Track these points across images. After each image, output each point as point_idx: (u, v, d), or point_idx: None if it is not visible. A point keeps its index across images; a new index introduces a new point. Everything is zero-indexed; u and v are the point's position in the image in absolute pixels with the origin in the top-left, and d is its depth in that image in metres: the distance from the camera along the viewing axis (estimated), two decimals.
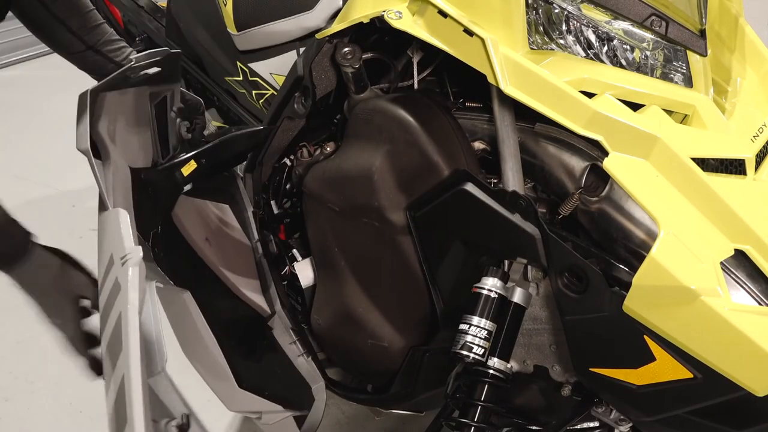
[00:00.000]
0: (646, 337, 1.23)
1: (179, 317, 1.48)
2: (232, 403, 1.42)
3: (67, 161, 2.89)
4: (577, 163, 1.33)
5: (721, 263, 1.21)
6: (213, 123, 2.32)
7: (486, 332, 1.32)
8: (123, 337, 1.07)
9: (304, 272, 1.75)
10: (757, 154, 1.32)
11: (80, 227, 2.77)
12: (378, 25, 1.39)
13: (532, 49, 1.35)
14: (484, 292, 1.34)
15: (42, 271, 1.28)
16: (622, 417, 1.43)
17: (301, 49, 1.98)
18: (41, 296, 1.29)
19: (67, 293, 1.34)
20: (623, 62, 1.38)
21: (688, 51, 1.37)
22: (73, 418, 2.11)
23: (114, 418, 1.05)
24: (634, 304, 1.21)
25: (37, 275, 1.24)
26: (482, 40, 1.28)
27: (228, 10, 1.99)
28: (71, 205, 2.85)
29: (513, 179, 1.34)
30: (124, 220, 1.21)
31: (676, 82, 1.38)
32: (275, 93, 2.05)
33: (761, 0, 3.01)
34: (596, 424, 1.50)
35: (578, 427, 1.51)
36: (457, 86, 1.63)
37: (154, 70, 1.47)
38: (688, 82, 1.38)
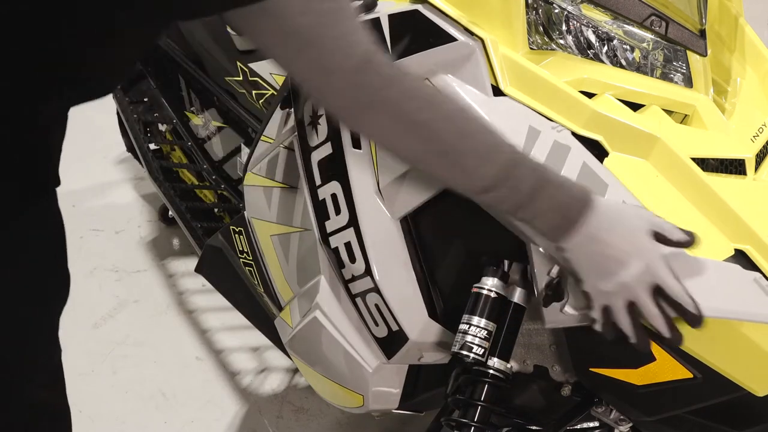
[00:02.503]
0: None
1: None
2: (413, 332, 1.38)
3: (67, 161, 2.89)
4: None
5: None
6: (213, 123, 2.32)
7: (486, 332, 1.32)
8: None
9: None
10: (757, 154, 1.33)
11: (80, 227, 2.77)
12: None
13: (531, 49, 1.35)
14: (484, 292, 1.34)
15: None
16: (622, 417, 1.42)
17: None
18: None
19: None
20: (623, 62, 1.38)
21: (688, 51, 1.37)
22: (73, 418, 2.11)
23: None
24: None
25: None
26: (482, 40, 1.28)
27: None
28: (71, 205, 2.85)
29: None
30: None
31: (676, 82, 1.39)
32: (275, 93, 2.05)
33: (761, 0, 3.01)
34: (596, 424, 1.50)
35: (578, 427, 1.51)
36: None
37: None
38: (688, 82, 1.38)
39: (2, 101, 0.97)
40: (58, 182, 1.09)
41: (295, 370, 2.29)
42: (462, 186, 1.13)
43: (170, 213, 2.73)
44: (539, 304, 1.36)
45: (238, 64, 2.13)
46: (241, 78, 2.15)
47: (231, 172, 2.33)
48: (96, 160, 3.05)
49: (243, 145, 2.20)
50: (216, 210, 2.35)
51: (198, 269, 1.92)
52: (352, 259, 1.42)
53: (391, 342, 1.44)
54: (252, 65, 2.10)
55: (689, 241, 1.12)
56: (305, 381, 2.24)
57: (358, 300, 1.45)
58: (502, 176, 1.07)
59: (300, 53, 0.99)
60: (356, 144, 1.38)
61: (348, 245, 1.41)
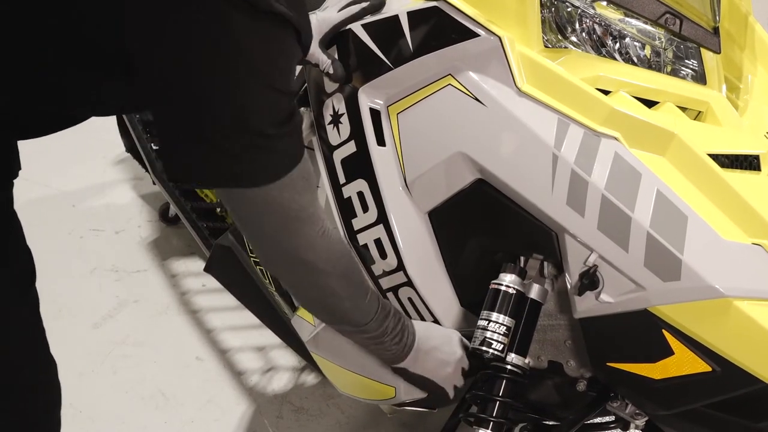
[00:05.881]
0: (664, 331, 1.25)
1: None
2: (447, 322, 1.43)
3: (67, 161, 2.87)
4: None
5: None
6: None
7: (505, 328, 1.33)
8: None
9: None
10: None
11: (80, 227, 2.76)
12: None
13: (546, 47, 1.36)
14: (503, 288, 1.35)
15: None
16: (637, 411, 1.44)
17: None
18: None
19: None
20: (635, 60, 1.39)
21: (701, 48, 1.39)
22: (73, 418, 2.10)
23: None
24: None
25: None
26: (499, 38, 1.29)
27: None
28: (71, 205, 2.83)
29: None
30: None
31: (690, 80, 1.40)
32: None
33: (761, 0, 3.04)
34: (612, 418, 1.51)
35: (594, 421, 1.52)
36: None
37: None
38: (702, 79, 1.40)
39: None
40: (16, 174, 1.24)
41: (296, 370, 2.29)
42: (335, 322, 1.35)
43: (171, 213, 2.72)
44: (559, 297, 1.38)
45: None
46: None
47: None
48: (96, 160, 3.02)
49: None
50: (218, 210, 2.34)
51: (207, 269, 1.91)
52: (383, 255, 1.42)
53: None
54: None
55: None
56: (305, 381, 2.25)
57: (390, 295, 1.47)
58: (371, 318, 1.31)
59: (265, 220, 1.16)
60: (380, 141, 1.39)
61: (378, 241, 1.42)
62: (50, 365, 1.32)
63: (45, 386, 1.32)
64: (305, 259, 1.19)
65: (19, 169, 1.24)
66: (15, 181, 1.24)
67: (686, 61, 1.41)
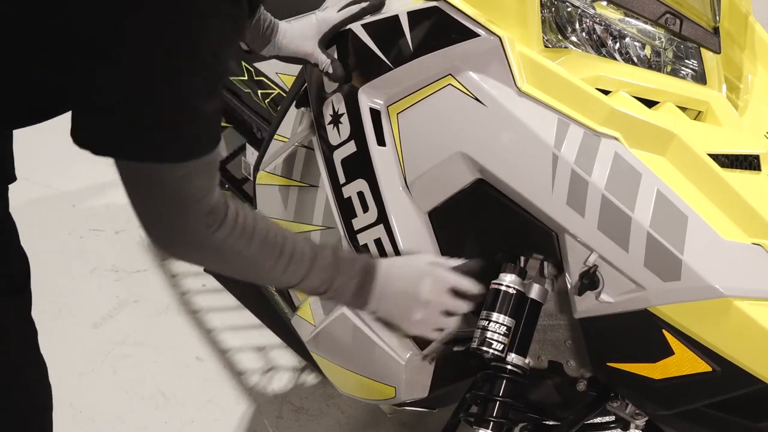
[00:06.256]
0: (664, 331, 1.25)
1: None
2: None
3: (67, 161, 2.87)
4: None
5: None
6: None
7: (505, 328, 1.33)
8: None
9: None
10: None
11: (80, 227, 2.76)
12: None
13: (546, 47, 1.36)
14: (503, 288, 1.35)
15: None
16: (638, 411, 1.44)
17: None
18: None
19: None
20: (635, 60, 1.40)
21: (701, 48, 1.39)
22: (73, 418, 2.11)
23: None
24: None
25: None
26: (499, 38, 1.29)
27: None
28: (71, 205, 2.84)
29: None
30: None
31: (690, 80, 1.40)
32: (281, 92, 2.04)
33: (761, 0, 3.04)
34: (612, 418, 1.51)
35: (594, 421, 1.52)
36: None
37: None
38: (702, 79, 1.40)
39: None
40: (14, 178, 1.24)
41: (296, 370, 2.29)
42: (269, 284, 1.35)
43: None
44: (559, 297, 1.38)
45: (243, 63, 2.12)
46: (246, 77, 2.14)
47: (235, 172, 2.32)
48: (96, 160, 2.97)
49: (248, 145, 2.20)
50: None
51: (207, 269, 1.91)
52: (383, 255, 1.42)
53: None
54: (257, 65, 2.09)
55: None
56: (305, 381, 2.25)
57: None
58: (302, 279, 1.25)
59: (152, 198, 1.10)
60: (380, 141, 1.39)
61: (378, 241, 1.42)
62: (40, 366, 1.32)
63: (36, 387, 1.32)
64: (198, 242, 1.14)
65: (14, 173, 1.24)
66: (15, 181, 1.24)
67: (686, 61, 1.42)
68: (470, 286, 1.33)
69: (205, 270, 1.92)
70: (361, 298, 1.30)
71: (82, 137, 1.05)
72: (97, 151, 1.05)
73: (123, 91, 0.99)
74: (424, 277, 1.32)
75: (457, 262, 1.33)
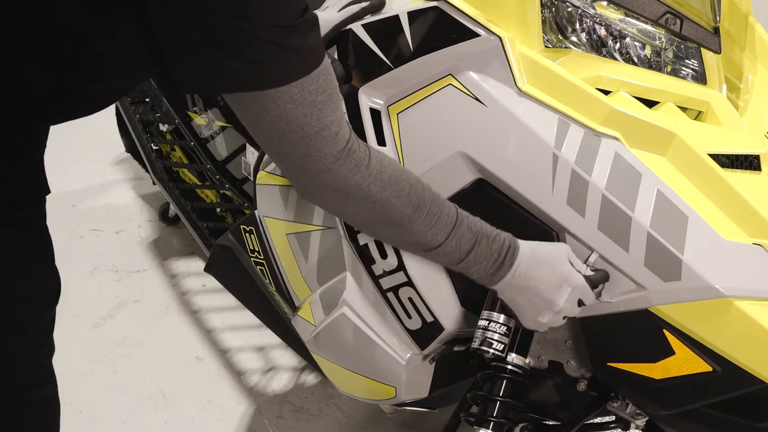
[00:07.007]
0: (665, 331, 1.25)
1: None
2: (448, 322, 1.40)
3: (67, 161, 2.87)
4: None
5: None
6: (216, 122, 2.31)
7: (506, 328, 1.33)
8: None
9: None
10: None
11: (80, 227, 2.76)
12: None
13: (546, 47, 1.36)
14: None
15: None
16: (638, 411, 1.44)
17: None
18: None
19: None
20: (635, 60, 1.40)
21: (701, 48, 1.39)
22: (73, 418, 2.11)
23: None
24: None
25: None
26: (499, 38, 1.29)
27: None
28: (71, 205, 2.84)
29: None
30: None
31: (690, 80, 1.40)
32: None
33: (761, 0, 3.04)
34: (612, 418, 1.51)
35: (594, 421, 1.52)
36: None
37: None
38: (702, 79, 1.40)
39: (13, 118, 1.07)
40: (48, 190, 1.19)
41: (296, 370, 2.29)
42: (409, 247, 1.30)
43: (171, 213, 2.72)
44: None
45: None
46: None
47: (235, 172, 2.32)
48: (96, 160, 3.03)
49: (248, 145, 2.20)
50: (218, 210, 2.35)
51: (207, 269, 1.91)
52: (383, 255, 1.42)
53: (426, 333, 1.46)
54: None
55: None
56: (305, 381, 2.25)
57: (390, 294, 1.46)
58: (446, 238, 1.22)
59: (283, 136, 1.07)
60: (381, 141, 1.38)
61: (378, 241, 1.42)
62: (52, 384, 1.28)
63: (50, 405, 1.29)
64: (334, 184, 1.13)
65: (47, 184, 1.19)
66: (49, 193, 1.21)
67: (686, 61, 1.42)
68: (593, 300, 1.30)
69: (205, 270, 1.92)
70: (495, 277, 1.26)
71: (185, 86, 1.06)
72: (205, 90, 1.04)
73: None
74: (566, 285, 1.27)
75: (585, 267, 1.29)
